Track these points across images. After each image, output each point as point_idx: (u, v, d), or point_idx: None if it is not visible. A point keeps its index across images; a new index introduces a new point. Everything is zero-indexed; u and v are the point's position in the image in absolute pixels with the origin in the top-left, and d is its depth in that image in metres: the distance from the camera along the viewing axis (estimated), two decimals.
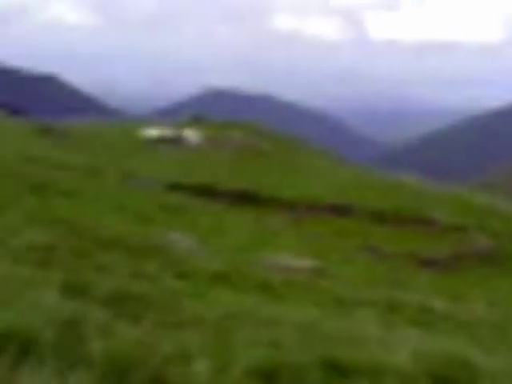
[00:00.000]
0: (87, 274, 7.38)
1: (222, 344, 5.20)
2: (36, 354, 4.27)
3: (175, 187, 27.92)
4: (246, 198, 29.29)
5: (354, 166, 53.05)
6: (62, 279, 6.70)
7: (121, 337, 4.81)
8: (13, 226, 10.20)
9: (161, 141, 42.86)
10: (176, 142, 43.47)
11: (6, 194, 14.45)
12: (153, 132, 44.55)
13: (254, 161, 41.92)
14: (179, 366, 4.46)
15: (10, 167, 20.01)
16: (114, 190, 22.87)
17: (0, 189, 14.88)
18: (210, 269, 10.11)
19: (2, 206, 12.29)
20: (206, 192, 28.57)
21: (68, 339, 4.61)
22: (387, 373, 5.21)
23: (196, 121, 50.98)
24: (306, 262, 14.81)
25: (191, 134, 45.32)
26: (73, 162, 27.60)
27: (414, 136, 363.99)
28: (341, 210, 30.09)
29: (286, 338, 5.79)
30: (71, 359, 4.29)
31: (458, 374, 5.50)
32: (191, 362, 4.56)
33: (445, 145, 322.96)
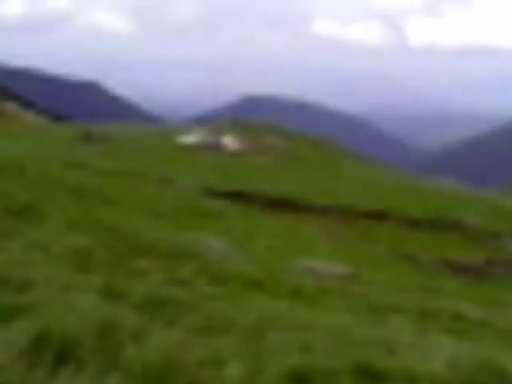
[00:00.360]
0: (124, 278, 7.49)
1: (254, 349, 5.22)
2: (74, 358, 4.32)
3: (212, 192, 28.09)
4: (281, 204, 29.32)
5: (391, 171, 52.64)
6: (100, 283, 6.84)
7: (156, 341, 4.85)
8: (54, 230, 10.41)
9: (199, 146, 43.12)
10: (214, 147, 43.69)
11: (49, 199, 14.72)
12: (191, 138, 44.84)
13: (291, 166, 41.86)
14: (213, 370, 4.50)
15: (52, 173, 20.37)
16: (153, 196, 23.11)
17: (42, 194, 15.16)
18: (244, 274, 10.16)
19: (44, 211, 12.53)
20: (243, 197, 28.68)
21: (105, 343, 4.67)
22: (421, 380, 5.16)
23: (234, 125, 51.10)
24: (339, 268, 14.80)
25: (229, 140, 45.50)
26: (113, 168, 27.94)
27: (454, 141, 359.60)
28: (376, 216, 29.93)
29: (319, 343, 5.78)
30: (108, 363, 4.35)
31: (493, 381, 5.41)
32: (224, 366, 4.60)
33: (484, 150, 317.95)
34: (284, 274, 12.03)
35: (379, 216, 30.10)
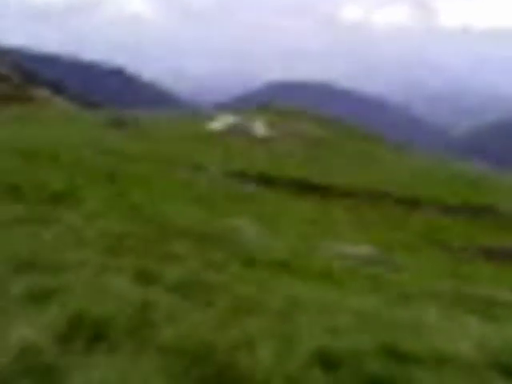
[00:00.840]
0: (157, 262, 7.60)
1: (284, 330, 5.29)
2: (109, 339, 4.42)
3: (241, 176, 28.18)
4: (310, 187, 29.30)
5: (419, 154, 52.14)
6: (134, 267, 6.97)
7: (190, 323, 4.96)
8: (88, 216, 10.56)
9: (229, 132, 43.21)
10: (244, 133, 43.75)
11: (82, 185, 14.90)
12: (220, 123, 44.95)
13: (318, 149, 41.75)
14: (245, 351, 4.57)
15: (85, 159, 20.60)
16: (184, 181, 23.25)
17: (76, 180, 15.34)
18: (273, 256, 10.22)
19: (78, 197, 12.69)
20: (271, 181, 28.72)
21: (139, 324, 4.78)
22: (448, 361, 5.16)
23: (263, 109, 51.07)
24: (367, 250, 14.78)
25: (258, 124, 45.51)
26: (144, 154, 28.15)
27: (482, 124, 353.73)
28: (408, 203, 29.78)
29: (347, 324, 5.83)
30: (143, 344, 4.44)
31: None
32: (255, 347, 4.67)
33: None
34: (312, 256, 12.07)
35: (411, 202, 29.95)
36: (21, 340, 3.98)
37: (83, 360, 4.02)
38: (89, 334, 4.42)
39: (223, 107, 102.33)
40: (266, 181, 28.59)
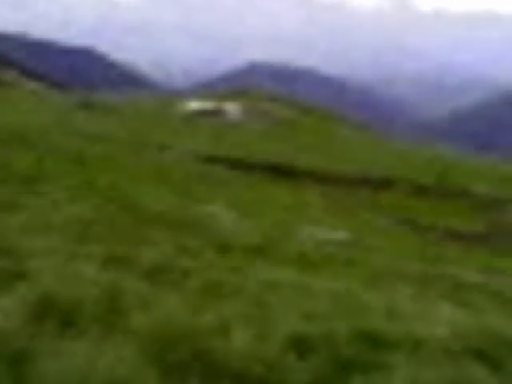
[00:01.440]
0: (129, 247, 7.50)
1: (258, 315, 5.29)
2: (77, 324, 4.35)
3: (213, 160, 28.07)
4: (282, 171, 29.33)
5: (394, 138, 52.66)
6: (103, 253, 6.84)
7: (161, 307, 4.91)
8: (57, 199, 10.39)
9: (201, 114, 43.07)
10: (216, 114, 43.66)
11: (48, 166, 14.68)
12: (193, 105, 44.79)
13: (291, 133, 41.86)
14: (220, 336, 4.56)
15: (53, 141, 20.32)
16: (154, 163, 23.08)
17: (42, 162, 15.11)
18: (247, 241, 10.18)
19: (43, 179, 12.49)
20: (243, 165, 28.66)
21: (109, 310, 4.72)
22: (423, 345, 5.19)
23: (236, 94, 51.05)
24: (341, 235, 14.84)
25: (231, 107, 45.42)
26: (112, 135, 27.89)
27: (462, 107, 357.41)
28: (378, 183, 30.01)
29: (321, 308, 5.84)
30: (112, 330, 4.38)
31: (494, 347, 5.41)
32: (230, 332, 4.65)
33: (492, 116, 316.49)
34: (286, 241, 12.07)
35: (382, 183, 30.17)
36: None
37: (51, 345, 3.95)
38: (57, 319, 4.35)
39: (197, 89, 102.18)
40: (238, 165, 28.50)
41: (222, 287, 6.18)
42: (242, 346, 4.45)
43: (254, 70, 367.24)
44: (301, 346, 4.76)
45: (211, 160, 27.87)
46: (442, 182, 31.36)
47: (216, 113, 43.75)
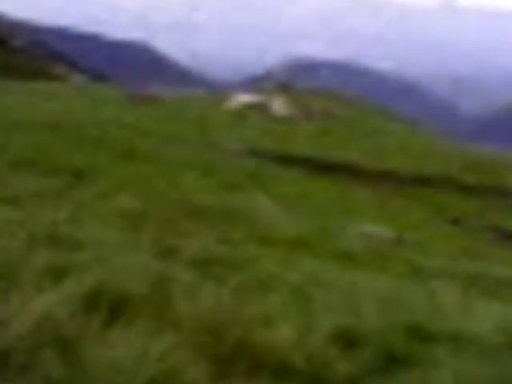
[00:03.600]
0: (175, 238, 7.58)
1: (304, 308, 5.28)
2: (127, 313, 4.41)
3: (260, 154, 28.10)
4: (329, 167, 29.21)
5: (439, 137, 51.95)
6: (151, 244, 6.94)
7: (207, 298, 4.93)
8: (104, 191, 10.57)
9: (247, 109, 43.09)
10: (262, 109, 43.62)
11: (98, 160, 14.91)
12: (240, 100, 44.83)
13: (338, 129, 41.61)
14: (264, 328, 4.56)
15: (102, 134, 20.64)
16: (201, 158, 23.24)
17: (92, 155, 15.36)
18: (293, 235, 10.20)
19: (93, 172, 12.71)
20: (290, 160, 28.63)
21: (158, 299, 4.77)
22: (469, 342, 5.13)
23: (282, 89, 50.90)
24: (386, 231, 14.74)
25: (277, 102, 45.32)
26: (162, 130, 28.16)
27: (502, 105, 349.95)
28: (424, 182, 29.74)
29: (366, 304, 5.81)
30: (160, 320, 4.43)
31: None
32: (274, 325, 4.65)
33: None
34: (332, 236, 12.05)
35: (427, 181, 29.91)
36: (40, 313, 3.97)
37: (101, 334, 4.00)
38: (107, 309, 4.36)
39: (244, 85, 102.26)
40: (284, 159, 28.47)
41: (267, 279, 6.20)
42: (285, 337, 4.45)
43: (297, 65, 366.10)
44: (346, 339, 4.74)
45: (258, 154, 27.91)
46: (486, 182, 31.01)
47: (262, 107, 43.72)
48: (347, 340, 4.75)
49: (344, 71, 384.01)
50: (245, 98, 45.48)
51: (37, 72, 56.34)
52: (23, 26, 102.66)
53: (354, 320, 5.14)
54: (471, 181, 31.26)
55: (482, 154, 41.48)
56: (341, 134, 40.25)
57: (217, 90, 64.11)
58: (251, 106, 43.68)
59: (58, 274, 5.07)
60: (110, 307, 4.43)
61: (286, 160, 28.33)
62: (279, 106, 44.99)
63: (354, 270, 8.26)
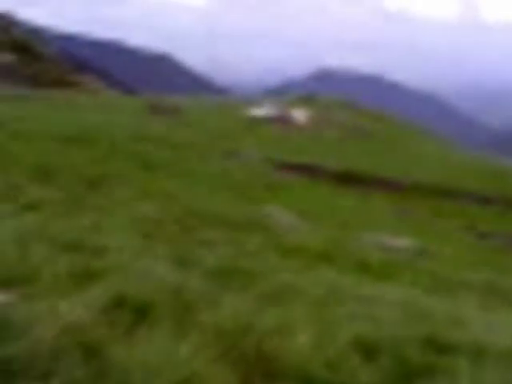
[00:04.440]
0: (193, 248, 7.63)
1: (322, 319, 5.28)
2: (149, 320, 4.48)
3: (280, 165, 28.14)
4: (349, 178, 29.20)
5: (460, 148, 51.74)
6: (170, 252, 7.00)
7: (227, 308, 4.98)
8: (125, 200, 10.66)
9: (268, 119, 43.13)
10: (283, 120, 43.63)
11: (120, 171, 15.04)
12: (260, 111, 44.87)
13: (359, 141, 41.56)
14: (283, 336, 4.59)
15: (121, 145, 20.79)
16: (221, 168, 23.31)
17: (113, 166, 15.49)
18: (311, 246, 10.19)
19: (110, 181, 12.82)
20: (310, 171, 28.66)
21: (178, 307, 4.85)
22: (488, 353, 5.09)
23: (304, 100, 50.93)
24: (406, 242, 14.68)
25: (298, 114, 45.34)
26: (182, 140, 28.27)
27: None
28: (444, 192, 29.65)
29: (386, 314, 5.82)
30: (182, 326, 4.50)
31: None
32: (293, 335, 4.66)
33: None
34: (351, 247, 12.02)
35: (447, 192, 29.81)
36: (67, 316, 4.06)
37: (126, 338, 4.09)
38: (130, 314, 4.50)
39: (270, 94, 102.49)
40: (304, 170, 28.50)
41: (286, 289, 6.22)
42: (304, 346, 4.48)
43: (320, 76, 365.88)
44: (365, 348, 4.76)
45: (276, 165, 27.96)
46: (505, 193, 30.93)
47: (282, 119, 43.73)
48: (367, 349, 4.76)
49: (367, 82, 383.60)
50: (264, 108, 45.56)
51: (62, 81, 56.83)
52: (45, 33, 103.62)
53: (373, 330, 5.15)
54: (491, 192, 31.13)
55: (505, 167, 41.29)
56: (361, 145, 40.20)
57: (239, 100, 64.26)
58: (271, 117, 43.75)
59: (80, 280, 5.18)
60: (134, 313, 4.55)
61: (304, 170, 28.37)
62: (299, 115, 45.03)
63: (373, 280, 8.25)
